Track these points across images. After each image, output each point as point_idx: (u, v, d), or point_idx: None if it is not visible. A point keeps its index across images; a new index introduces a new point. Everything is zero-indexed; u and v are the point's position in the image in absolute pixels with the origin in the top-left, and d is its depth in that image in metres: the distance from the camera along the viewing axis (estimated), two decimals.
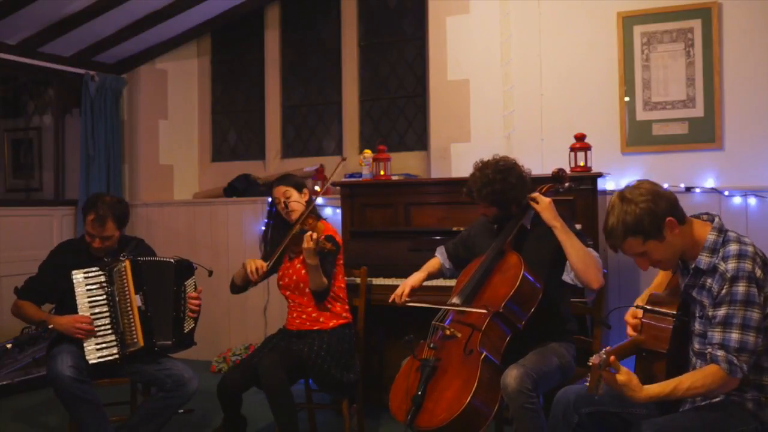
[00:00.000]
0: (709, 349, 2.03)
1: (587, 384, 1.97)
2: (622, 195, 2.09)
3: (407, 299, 2.89)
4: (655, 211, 2.04)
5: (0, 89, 5.69)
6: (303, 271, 3.24)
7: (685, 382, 2.01)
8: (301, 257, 3.22)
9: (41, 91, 5.96)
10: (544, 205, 2.74)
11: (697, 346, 2.10)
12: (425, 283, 3.12)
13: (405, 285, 2.94)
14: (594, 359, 1.95)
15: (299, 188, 3.32)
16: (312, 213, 3.23)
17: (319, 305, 3.24)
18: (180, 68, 5.85)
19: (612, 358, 1.97)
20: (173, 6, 4.94)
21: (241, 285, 3.40)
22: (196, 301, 3.22)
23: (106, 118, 5.41)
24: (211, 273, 3.37)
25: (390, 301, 2.94)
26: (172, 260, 3.22)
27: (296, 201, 3.28)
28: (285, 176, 3.43)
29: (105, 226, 3.14)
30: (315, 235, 2.99)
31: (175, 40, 5.54)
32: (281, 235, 3.33)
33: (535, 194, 2.79)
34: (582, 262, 2.65)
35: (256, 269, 3.23)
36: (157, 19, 5.05)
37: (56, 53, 5.23)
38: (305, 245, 3.02)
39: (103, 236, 3.16)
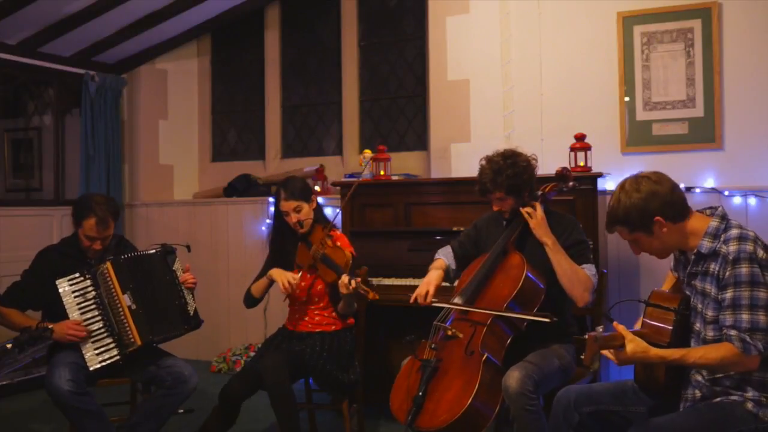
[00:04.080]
0: (724, 331, 2.05)
1: (582, 357, 1.99)
2: (623, 184, 2.19)
3: (434, 299, 2.77)
4: (645, 209, 2.12)
5: (0, 89, 5.68)
6: (319, 287, 3.20)
7: (697, 351, 2.06)
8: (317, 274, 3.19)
9: (41, 91, 5.95)
10: (537, 220, 2.73)
11: (711, 334, 2.11)
12: None
13: (428, 285, 2.80)
14: (591, 333, 2.00)
15: (308, 198, 3.20)
16: (322, 223, 3.20)
17: (327, 310, 3.23)
18: (180, 68, 5.85)
19: (618, 334, 2.02)
20: (173, 6, 4.94)
21: (259, 298, 3.28)
22: (191, 278, 3.20)
23: (106, 118, 5.41)
24: (189, 248, 3.33)
25: (412, 302, 2.79)
26: (155, 251, 3.19)
27: (308, 217, 3.18)
28: (291, 185, 3.20)
29: (109, 227, 3.14)
30: (353, 282, 2.84)
31: (175, 40, 5.54)
32: (291, 243, 3.25)
33: (528, 209, 2.76)
34: (568, 280, 2.66)
35: (289, 282, 3.07)
36: (157, 19, 5.05)
37: (56, 53, 5.23)
38: (343, 291, 2.90)
39: (105, 237, 3.15)
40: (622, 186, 2.18)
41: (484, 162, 2.81)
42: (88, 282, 3.07)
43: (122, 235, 3.49)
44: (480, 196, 2.85)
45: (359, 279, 2.89)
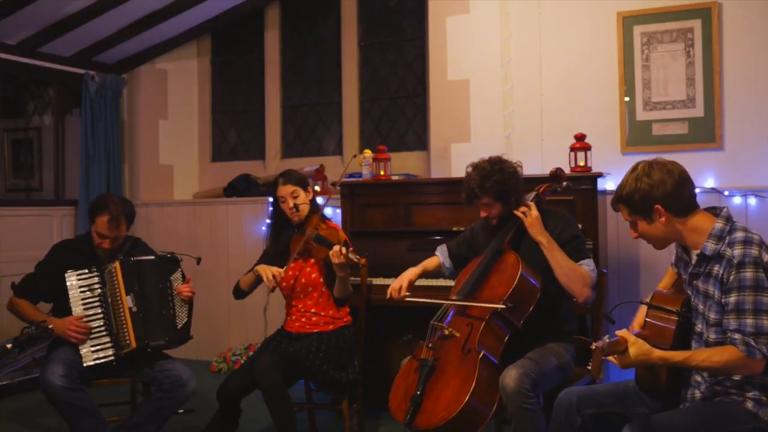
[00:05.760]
0: (728, 334, 2.04)
1: (589, 368, 1.97)
2: (636, 166, 2.20)
3: (407, 293, 2.81)
4: (649, 195, 2.12)
5: (0, 89, 5.68)
6: (314, 275, 3.22)
7: (701, 354, 2.04)
8: (311, 260, 3.22)
9: (41, 91, 5.96)
10: (531, 219, 2.73)
11: (713, 336, 2.10)
12: (425, 283, 3.09)
13: (402, 279, 2.87)
14: (598, 343, 1.97)
15: (305, 186, 3.27)
16: (318, 213, 3.23)
17: (323, 308, 3.23)
18: (180, 68, 5.85)
19: (621, 338, 2.01)
20: (173, 6, 4.94)
21: (247, 290, 3.34)
22: (187, 289, 3.20)
23: (106, 118, 5.41)
24: (199, 260, 3.35)
25: (388, 296, 2.85)
26: (153, 258, 3.21)
27: (304, 203, 3.24)
28: (289, 174, 3.30)
29: (120, 227, 3.15)
30: (344, 250, 2.95)
31: (175, 40, 5.54)
32: (287, 235, 3.30)
33: (523, 208, 2.77)
34: (566, 276, 2.67)
35: (273, 276, 3.13)
36: (157, 19, 5.05)
37: (56, 53, 5.23)
38: (335, 261, 2.97)
39: (116, 236, 3.17)
40: (634, 168, 2.19)
41: (470, 169, 2.82)
42: (96, 279, 3.10)
43: (139, 237, 3.48)
44: (467, 203, 2.85)
45: (351, 248, 2.97)
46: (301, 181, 3.27)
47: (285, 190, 3.23)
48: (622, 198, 2.18)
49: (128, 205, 3.25)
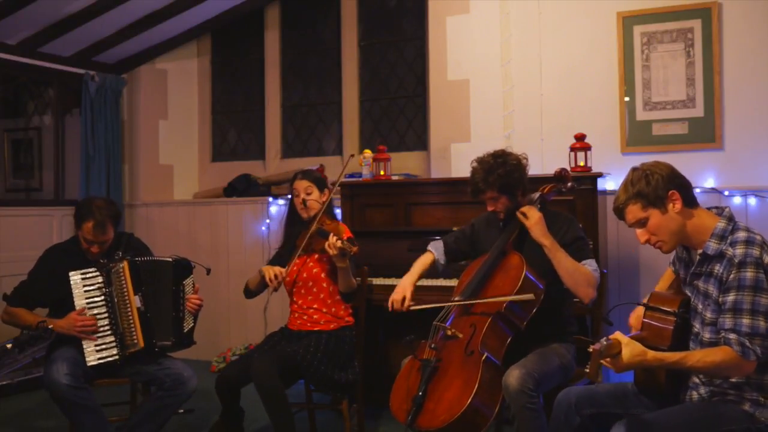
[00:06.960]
0: (722, 334, 2.03)
1: (587, 370, 1.96)
2: (636, 168, 2.19)
3: (411, 303, 2.80)
4: (662, 181, 2.11)
5: (0, 89, 5.67)
6: (315, 270, 3.26)
7: (695, 354, 2.03)
8: (315, 256, 3.26)
9: (41, 91, 5.96)
10: (533, 221, 2.72)
11: (707, 335, 2.10)
12: (427, 283, 3.07)
13: (404, 289, 2.84)
14: (595, 346, 1.96)
15: (321, 187, 3.34)
16: (328, 213, 3.26)
17: (326, 305, 3.25)
18: (180, 68, 5.85)
19: (615, 341, 1.98)
20: (173, 6, 4.94)
21: (255, 290, 3.38)
22: (196, 300, 3.21)
23: (106, 118, 5.41)
24: (209, 271, 3.37)
25: (390, 309, 2.83)
26: (170, 260, 3.21)
27: (315, 200, 3.29)
28: (308, 172, 3.41)
29: (107, 232, 3.13)
30: (338, 241, 2.98)
31: (175, 40, 5.54)
32: (296, 231, 3.33)
33: (525, 208, 2.77)
34: (571, 278, 2.66)
35: (275, 275, 3.18)
36: (157, 19, 5.05)
37: (56, 53, 5.23)
38: (331, 252, 3.01)
39: (103, 241, 3.15)
40: (634, 169, 2.18)
41: (475, 163, 2.84)
42: (100, 278, 3.08)
43: (131, 233, 3.47)
44: (473, 197, 2.86)
45: (344, 237, 3.02)
46: (318, 181, 3.35)
47: (300, 184, 3.32)
48: (632, 195, 2.13)
49: (113, 206, 3.20)
